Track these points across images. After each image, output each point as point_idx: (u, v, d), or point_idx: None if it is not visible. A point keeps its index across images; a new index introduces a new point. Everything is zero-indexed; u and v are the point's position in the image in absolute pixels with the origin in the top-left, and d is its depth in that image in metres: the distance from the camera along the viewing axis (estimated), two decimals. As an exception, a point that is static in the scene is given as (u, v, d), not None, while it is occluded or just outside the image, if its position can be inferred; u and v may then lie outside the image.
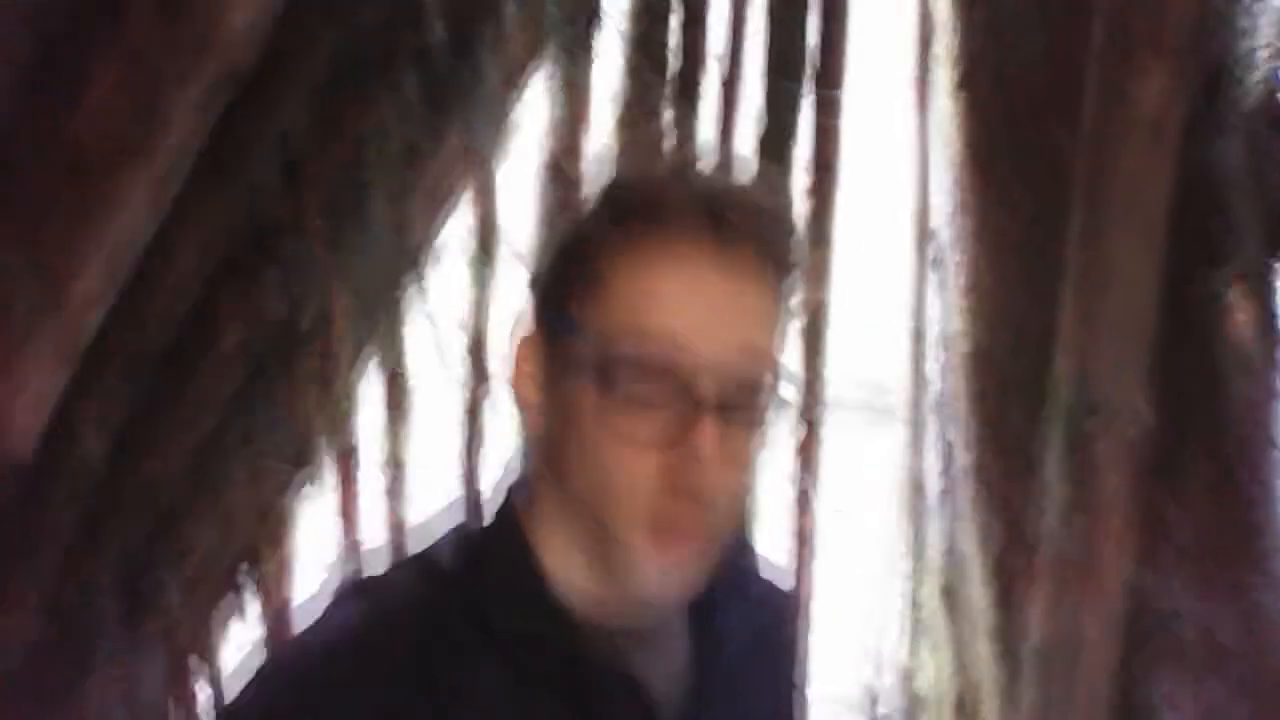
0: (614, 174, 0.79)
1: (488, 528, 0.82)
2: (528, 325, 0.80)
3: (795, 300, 0.81)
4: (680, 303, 0.72)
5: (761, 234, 0.75)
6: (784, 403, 0.77)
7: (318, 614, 0.77)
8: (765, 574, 0.96)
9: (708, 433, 0.70)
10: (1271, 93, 2.14)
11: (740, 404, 0.73)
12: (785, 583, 1.02)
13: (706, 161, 0.80)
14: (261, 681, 0.74)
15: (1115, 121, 1.72)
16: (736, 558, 0.91)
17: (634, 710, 0.76)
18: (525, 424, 0.81)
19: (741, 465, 0.74)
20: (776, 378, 0.77)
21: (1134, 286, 1.73)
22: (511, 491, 0.84)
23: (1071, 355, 1.74)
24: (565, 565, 0.77)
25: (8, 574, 1.30)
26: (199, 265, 1.41)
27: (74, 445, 1.26)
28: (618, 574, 0.74)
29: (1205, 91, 1.95)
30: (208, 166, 1.31)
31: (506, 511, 0.81)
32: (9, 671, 1.35)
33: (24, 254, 1.12)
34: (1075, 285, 1.76)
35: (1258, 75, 2.12)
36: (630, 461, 0.71)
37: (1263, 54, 2.17)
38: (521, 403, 0.80)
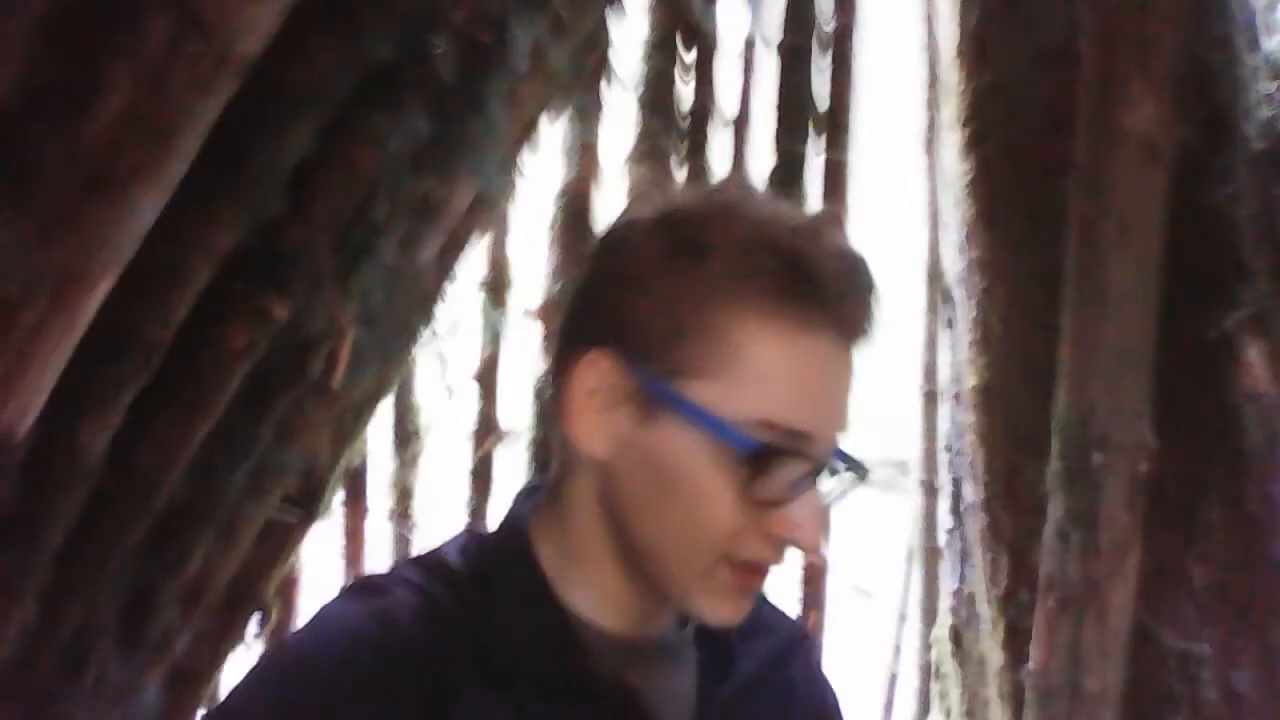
0: (738, 221, 0.70)
1: (494, 535, 0.81)
2: (599, 354, 0.72)
3: None
4: (814, 395, 0.69)
5: (872, 309, 0.71)
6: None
7: (319, 611, 0.75)
8: (776, 608, 0.94)
9: (817, 500, 0.70)
10: (1278, 137, 2.15)
11: (833, 469, 0.74)
12: (795, 619, 1.00)
13: (824, 220, 0.71)
14: (257, 677, 0.71)
15: (1107, 147, 1.73)
16: None
17: None
18: (565, 447, 0.76)
19: (827, 525, 0.74)
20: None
21: (1131, 313, 1.72)
22: (522, 502, 0.82)
23: (1072, 386, 1.73)
24: (570, 580, 0.76)
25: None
26: (206, 287, 1.42)
27: (73, 449, 1.27)
28: (672, 604, 0.74)
29: (1211, 135, 1.97)
30: (217, 188, 1.34)
31: (515, 521, 0.80)
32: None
33: (42, 258, 1.13)
34: (1073, 314, 1.75)
35: (1263, 120, 2.14)
36: (725, 517, 0.69)
37: (1266, 100, 2.20)
38: (573, 430, 0.74)
